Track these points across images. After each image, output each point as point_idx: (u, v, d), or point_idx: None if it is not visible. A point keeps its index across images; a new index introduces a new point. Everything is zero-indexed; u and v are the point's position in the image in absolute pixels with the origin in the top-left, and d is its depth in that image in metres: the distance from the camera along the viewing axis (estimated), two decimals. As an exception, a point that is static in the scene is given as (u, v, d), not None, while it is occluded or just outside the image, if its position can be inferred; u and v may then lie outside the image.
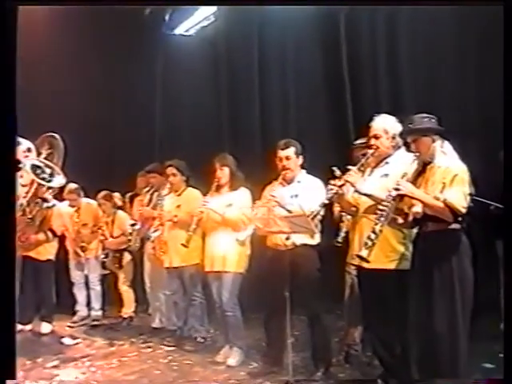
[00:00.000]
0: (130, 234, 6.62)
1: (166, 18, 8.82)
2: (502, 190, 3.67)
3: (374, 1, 6.59)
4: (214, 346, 5.75)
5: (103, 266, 7.19)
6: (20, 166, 6.05)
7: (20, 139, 6.08)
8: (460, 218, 3.64)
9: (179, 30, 8.85)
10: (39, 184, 6.16)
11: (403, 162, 4.00)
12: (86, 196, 7.36)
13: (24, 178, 6.19)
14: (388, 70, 6.87)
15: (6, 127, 3.56)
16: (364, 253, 3.77)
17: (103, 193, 7.17)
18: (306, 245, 4.64)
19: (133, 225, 6.49)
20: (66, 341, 6.31)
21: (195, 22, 8.65)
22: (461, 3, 5.63)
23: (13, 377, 3.45)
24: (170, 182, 6.05)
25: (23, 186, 6.22)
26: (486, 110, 6.04)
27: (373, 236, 3.75)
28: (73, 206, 7.26)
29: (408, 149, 4.06)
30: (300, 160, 4.84)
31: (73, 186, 7.08)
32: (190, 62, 8.61)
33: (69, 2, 6.97)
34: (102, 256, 7.12)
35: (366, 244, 3.78)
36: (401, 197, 3.75)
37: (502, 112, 5.65)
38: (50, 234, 6.63)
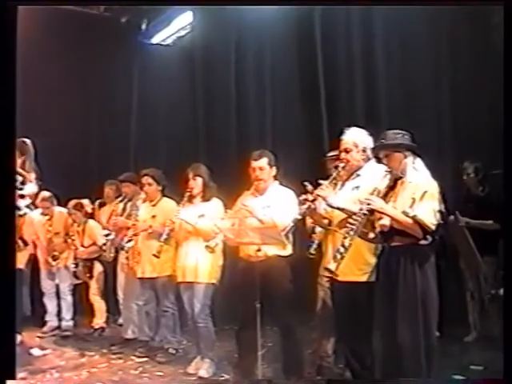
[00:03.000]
0: (104, 244, 6.56)
1: (143, 27, 8.82)
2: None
3: (372, 1, 6.64)
4: (186, 357, 5.71)
5: (74, 275, 7.10)
6: None
7: None
8: (428, 235, 3.66)
9: (156, 40, 8.87)
10: (10, 192, 6.09)
11: (374, 174, 4.03)
12: (59, 204, 7.28)
13: None
14: (364, 79, 6.88)
15: (6, 128, 3.52)
16: (332, 266, 3.79)
17: (73, 202, 7.09)
18: (278, 256, 4.62)
19: (107, 235, 6.41)
20: (35, 352, 6.19)
21: (172, 31, 8.67)
22: (461, 3, 5.67)
23: (13, 377, 3.41)
24: (145, 192, 5.99)
25: None
26: (460, 123, 6.10)
27: (342, 250, 3.76)
28: (45, 215, 7.19)
29: (379, 160, 4.09)
30: (273, 171, 4.83)
31: (46, 194, 7.00)
32: (167, 72, 8.62)
33: (68, 2, 6.94)
34: (72, 266, 7.03)
35: (334, 257, 3.79)
36: (371, 211, 3.76)
37: (473, 125, 5.78)
38: (20, 243, 6.52)
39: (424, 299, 3.63)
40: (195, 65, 8.31)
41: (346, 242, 3.75)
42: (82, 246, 7.02)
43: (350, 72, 7.01)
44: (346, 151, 4.23)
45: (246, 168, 4.93)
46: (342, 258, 3.76)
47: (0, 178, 3.51)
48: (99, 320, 7.09)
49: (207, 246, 4.97)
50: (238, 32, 7.84)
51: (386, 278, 3.77)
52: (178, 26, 8.51)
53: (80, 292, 7.33)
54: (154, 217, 5.83)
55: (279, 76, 7.61)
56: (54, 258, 7.09)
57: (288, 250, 4.67)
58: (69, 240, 7.06)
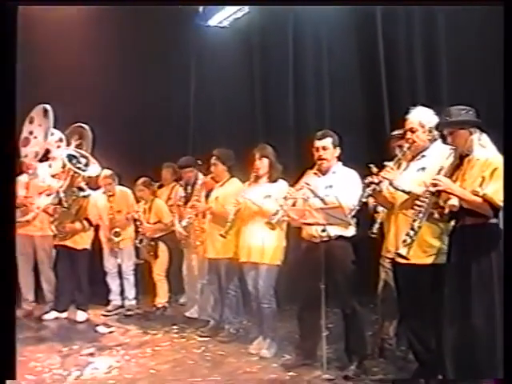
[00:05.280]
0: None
1: (200, 9, 8.83)
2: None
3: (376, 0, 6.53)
4: (247, 336, 5.76)
5: (137, 254, 7.22)
6: (49, 156, 6.13)
7: (52, 130, 6.16)
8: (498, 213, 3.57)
9: (213, 22, 8.82)
10: (75, 173, 6.26)
11: (440, 155, 3.94)
12: (120, 183, 7.40)
13: (54, 167, 6.27)
14: (424, 61, 6.77)
15: (6, 127, 3.58)
16: (403, 251, 3.73)
17: (142, 179, 7.16)
18: (340, 236, 4.60)
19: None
20: (101, 329, 6.38)
21: (229, 13, 8.61)
22: (461, 3, 5.56)
23: (13, 377, 3.47)
24: (211, 172, 6.02)
25: (54, 176, 6.32)
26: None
27: (412, 233, 3.70)
28: (108, 192, 7.18)
29: (444, 141, 4.01)
30: (337, 151, 4.79)
31: (108, 172, 7.09)
32: (224, 54, 8.59)
33: (68, 2, 7.01)
34: (137, 241, 7.12)
35: (404, 241, 3.73)
36: (439, 192, 3.69)
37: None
38: (86, 223, 6.69)
39: (500, 279, 3.53)
40: (252, 46, 8.29)
41: (416, 225, 3.69)
42: (148, 223, 7.08)
43: (410, 51, 6.89)
44: (412, 131, 4.14)
45: (307, 148, 4.91)
46: (412, 241, 3.71)
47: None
48: (162, 299, 7.18)
49: (268, 223, 4.88)
50: (296, 11, 7.74)
51: (459, 259, 3.71)
52: (235, 7, 8.47)
53: (142, 271, 7.47)
54: (216, 198, 5.86)
55: (339, 55, 7.52)
56: (116, 235, 7.10)
57: (351, 231, 4.64)
58: (135, 215, 7.09)
